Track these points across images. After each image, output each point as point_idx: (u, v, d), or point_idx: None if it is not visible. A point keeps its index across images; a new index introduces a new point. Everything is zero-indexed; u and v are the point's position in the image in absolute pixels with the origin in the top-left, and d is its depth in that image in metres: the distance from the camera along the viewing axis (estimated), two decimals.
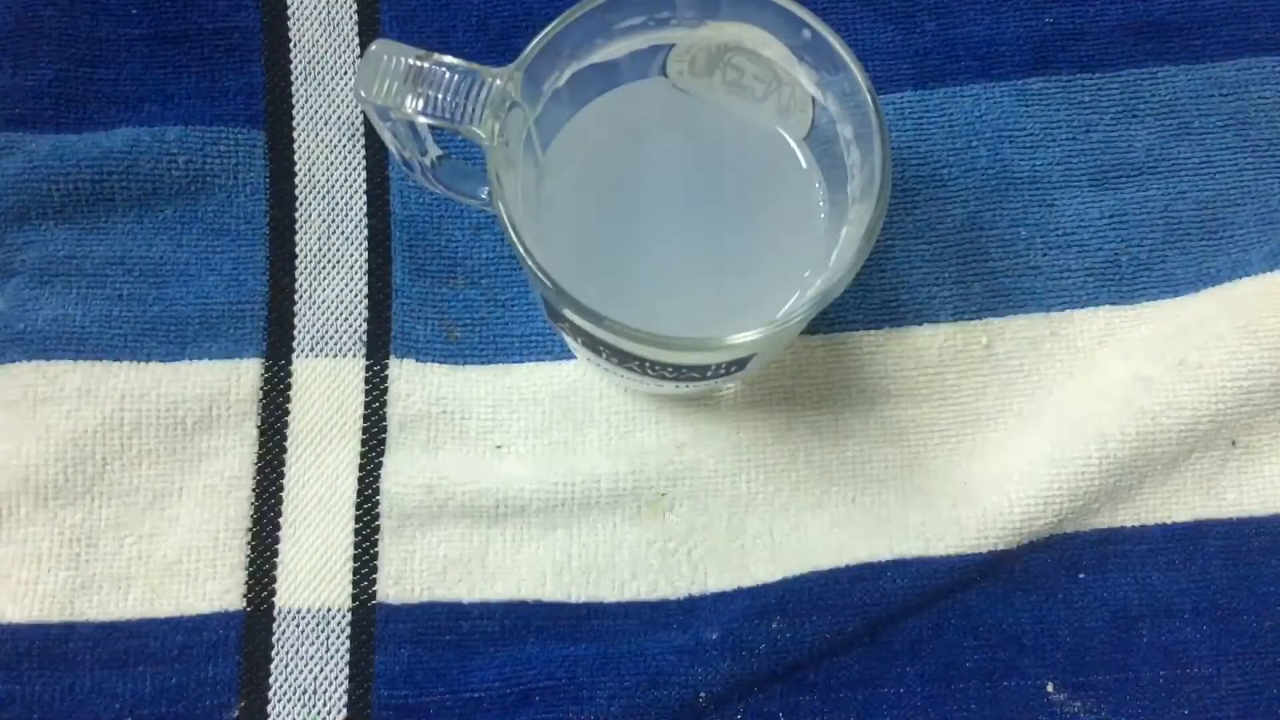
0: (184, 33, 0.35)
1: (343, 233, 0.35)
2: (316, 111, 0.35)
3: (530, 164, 0.29)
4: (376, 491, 0.33)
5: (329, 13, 0.36)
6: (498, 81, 0.25)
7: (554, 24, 0.26)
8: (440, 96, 0.25)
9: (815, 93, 0.28)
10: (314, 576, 0.32)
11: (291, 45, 0.36)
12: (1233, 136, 0.35)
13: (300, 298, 0.34)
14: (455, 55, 0.26)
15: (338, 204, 0.35)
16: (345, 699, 0.32)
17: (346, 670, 0.32)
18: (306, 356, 0.34)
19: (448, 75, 0.25)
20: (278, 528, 0.32)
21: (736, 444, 0.33)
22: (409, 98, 0.25)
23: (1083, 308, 0.34)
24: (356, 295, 0.34)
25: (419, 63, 0.25)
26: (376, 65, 0.25)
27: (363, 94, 0.26)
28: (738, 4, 0.27)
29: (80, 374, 0.32)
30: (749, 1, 0.27)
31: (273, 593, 0.32)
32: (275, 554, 0.32)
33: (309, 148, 0.35)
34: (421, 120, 0.26)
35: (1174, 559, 0.33)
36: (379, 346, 0.34)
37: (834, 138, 0.28)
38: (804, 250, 0.29)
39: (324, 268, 0.34)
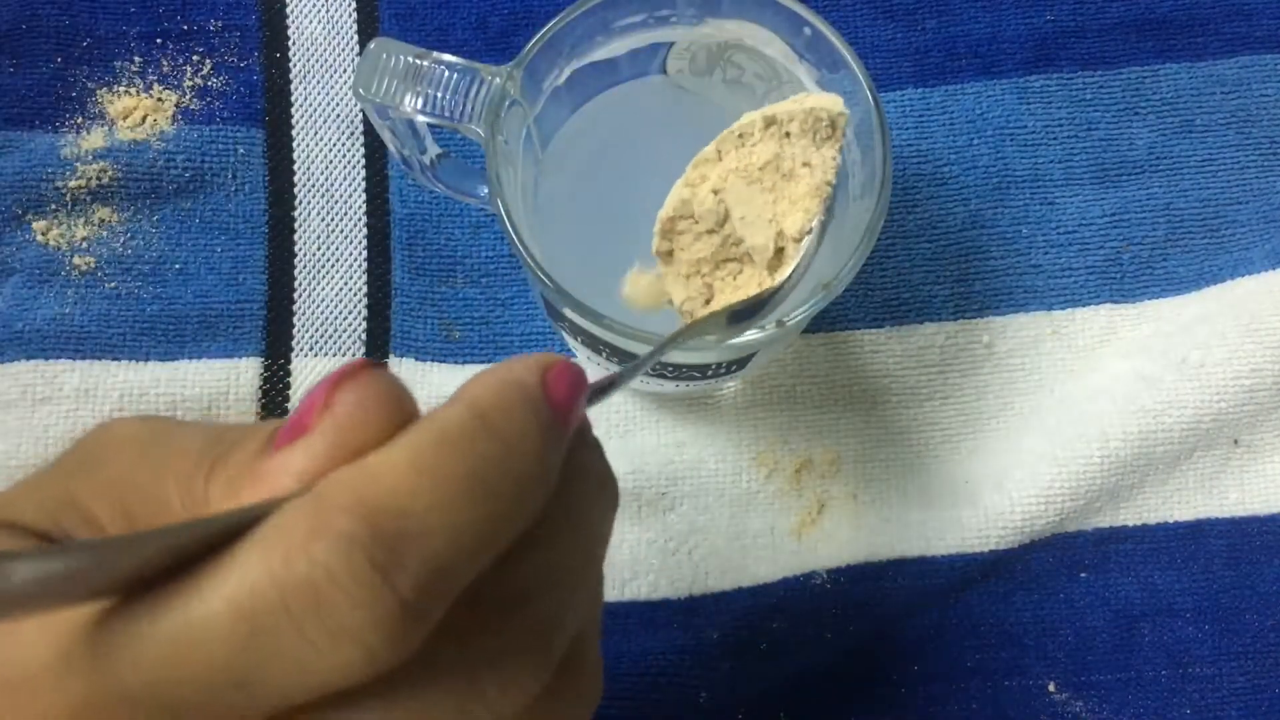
0: (183, 31, 0.35)
1: (342, 232, 0.35)
2: (316, 110, 0.35)
3: (530, 162, 0.29)
4: None
5: (328, 11, 0.36)
6: (497, 80, 0.25)
7: (553, 22, 0.26)
8: (439, 95, 0.25)
9: (816, 91, 0.28)
10: None
11: (290, 43, 0.36)
12: (1234, 134, 0.35)
13: (299, 297, 0.34)
14: (455, 54, 0.26)
15: (337, 203, 0.35)
16: None
17: None
18: (306, 356, 0.34)
19: (447, 74, 0.25)
20: None
21: (737, 443, 0.33)
22: (408, 96, 0.25)
23: (1084, 306, 0.34)
24: (356, 294, 0.34)
25: (418, 61, 0.25)
26: (376, 63, 0.25)
27: (362, 92, 0.26)
28: (738, 2, 0.27)
29: (79, 374, 0.32)
30: None
31: None
32: None
33: (308, 146, 0.35)
34: (420, 119, 0.26)
35: (1176, 558, 0.33)
36: (379, 346, 0.34)
37: None
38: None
39: (323, 267, 0.34)
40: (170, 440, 0.17)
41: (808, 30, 0.26)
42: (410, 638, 0.13)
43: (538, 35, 0.26)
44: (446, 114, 0.25)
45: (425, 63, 0.25)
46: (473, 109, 0.25)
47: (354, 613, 0.13)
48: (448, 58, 0.25)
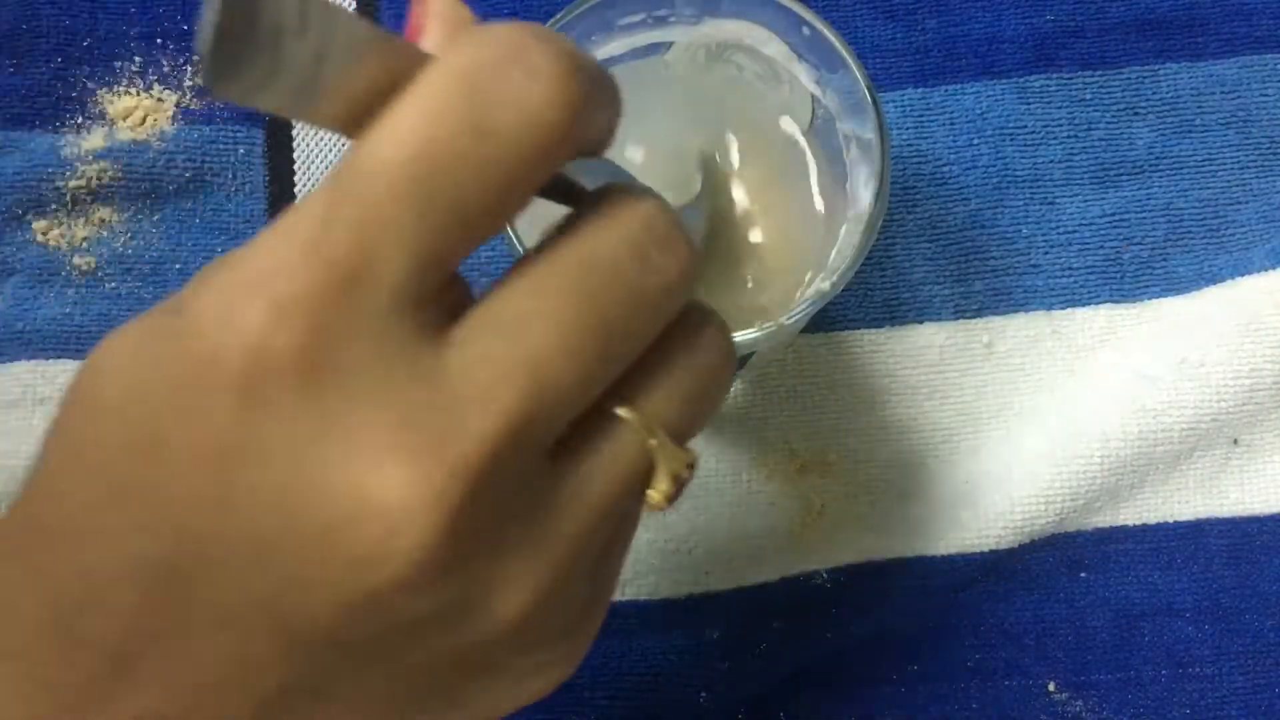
0: (183, 31, 0.35)
1: None
2: None
3: None
4: None
5: None
6: None
7: (552, 22, 0.26)
8: None
9: (815, 90, 0.28)
10: None
11: None
12: (1234, 134, 0.35)
13: None
14: None
15: None
16: None
17: None
18: None
19: None
20: None
21: (737, 443, 0.33)
22: None
23: (1084, 306, 0.34)
24: None
25: None
26: None
27: None
28: (737, 1, 0.27)
29: None
30: None
31: None
32: None
33: (308, 146, 0.35)
34: None
35: (1176, 558, 0.33)
36: None
37: (834, 135, 0.28)
38: (804, 248, 0.29)
39: None
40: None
41: (807, 30, 0.26)
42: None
43: None
44: None
45: None
46: None
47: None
48: None
